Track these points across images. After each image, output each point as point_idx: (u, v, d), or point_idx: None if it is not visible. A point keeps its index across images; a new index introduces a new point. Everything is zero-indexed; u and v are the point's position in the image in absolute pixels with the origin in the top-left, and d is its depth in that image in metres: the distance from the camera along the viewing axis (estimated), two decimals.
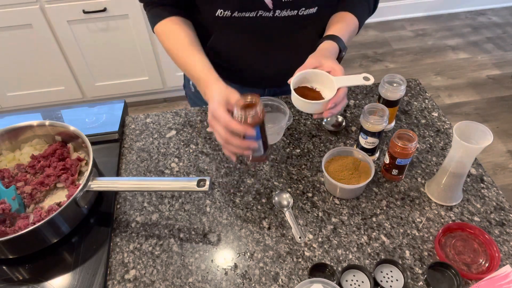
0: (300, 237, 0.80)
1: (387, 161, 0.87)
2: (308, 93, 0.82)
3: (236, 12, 0.88)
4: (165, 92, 2.51)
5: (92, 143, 0.87)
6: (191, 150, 0.99)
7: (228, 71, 1.01)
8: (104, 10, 1.97)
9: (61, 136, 0.94)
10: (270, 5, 0.87)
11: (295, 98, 0.79)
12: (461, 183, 0.82)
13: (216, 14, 0.89)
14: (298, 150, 0.97)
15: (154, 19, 0.94)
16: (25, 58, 2.12)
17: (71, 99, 2.38)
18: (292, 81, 0.81)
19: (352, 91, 1.13)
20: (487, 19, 3.16)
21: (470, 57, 2.82)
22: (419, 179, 0.90)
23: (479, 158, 1.06)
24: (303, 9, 0.89)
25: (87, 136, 0.88)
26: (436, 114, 1.05)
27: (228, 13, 0.88)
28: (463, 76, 2.67)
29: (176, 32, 0.91)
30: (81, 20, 2.01)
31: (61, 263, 0.78)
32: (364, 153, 0.87)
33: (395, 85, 0.92)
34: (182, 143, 1.01)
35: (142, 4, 0.97)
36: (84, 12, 1.96)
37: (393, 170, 0.87)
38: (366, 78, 0.79)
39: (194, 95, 1.17)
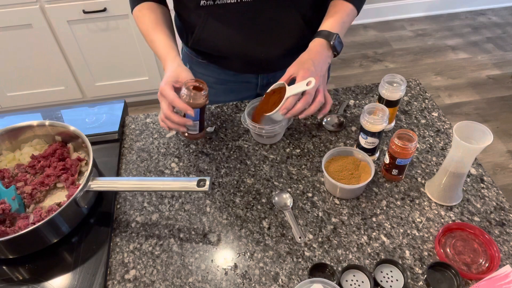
0: (300, 237, 0.80)
1: (387, 161, 0.87)
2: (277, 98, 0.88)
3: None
4: None
5: (92, 143, 0.87)
6: (191, 150, 0.99)
7: (218, 59, 1.06)
8: (104, 10, 1.97)
9: (61, 136, 0.94)
10: None
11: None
12: (461, 183, 0.82)
13: (201, 4, 0.91)
14: (298, 150, 0.97)
15: (133, 3, 1.01)
16: (25, 58, 2.12)
17: (71, 99, 2.38)
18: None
19: (352, 91, 1.13)
20: (487, 19, 3.16)
21: (470, 57, 2.82)
22: (419, 179, 0.90)
23: (479, 158, 1.07)
24: None
25: (87, 136, 0.88)
26: (436, 114, 1.05)
27: (210, 1, 0.90)
28: (463, 76, 2.67)
29: (146, 15, 0.97)
30: (81, 20, 2.01)
31: (61, 263, 0.78)
32: (364, 153, 0.87)
33: (395, 85, 0.92)
34: (182, 143, 1.01)
35: None
36: (84, 12, 1.96)
37: (393, 170, 0.87)
38: (308, 83, 0.83)
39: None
